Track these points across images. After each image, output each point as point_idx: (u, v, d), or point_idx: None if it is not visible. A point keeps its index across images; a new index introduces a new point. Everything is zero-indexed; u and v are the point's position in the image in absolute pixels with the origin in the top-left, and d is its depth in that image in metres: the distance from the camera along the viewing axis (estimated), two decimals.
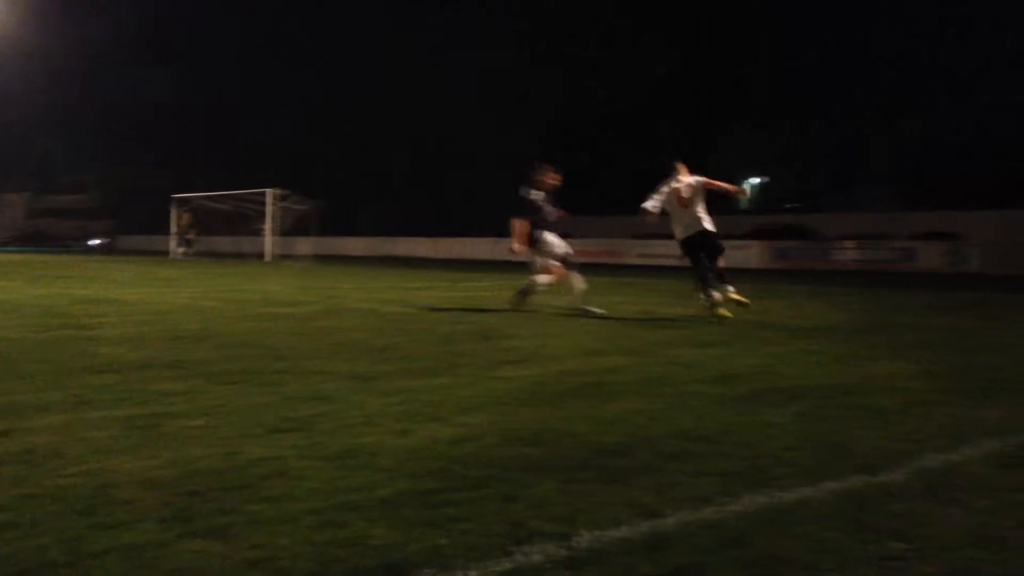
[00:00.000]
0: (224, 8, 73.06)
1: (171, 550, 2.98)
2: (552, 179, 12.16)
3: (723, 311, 11.09)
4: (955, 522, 3.38)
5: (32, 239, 76.70)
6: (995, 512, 3.49)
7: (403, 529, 3.20)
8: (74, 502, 3.45)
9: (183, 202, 40.36)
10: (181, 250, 37.18)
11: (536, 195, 12.08)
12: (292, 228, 33.79)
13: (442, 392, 5.93)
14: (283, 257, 34.29)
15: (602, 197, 49.76)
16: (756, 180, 59.07)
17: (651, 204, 11.40)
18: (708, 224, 11.51)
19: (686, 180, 11.48)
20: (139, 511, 3.36)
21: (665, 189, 11.50)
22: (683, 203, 11.38)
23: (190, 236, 39.43)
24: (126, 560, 2.88)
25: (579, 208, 47.44)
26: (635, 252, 39.39)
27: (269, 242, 34.28)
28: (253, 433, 4.66)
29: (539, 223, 12.02)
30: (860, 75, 50.15)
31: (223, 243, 41.71)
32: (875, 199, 48.37)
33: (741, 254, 36.95)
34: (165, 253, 42.83)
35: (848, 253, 35.33)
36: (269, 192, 34.60)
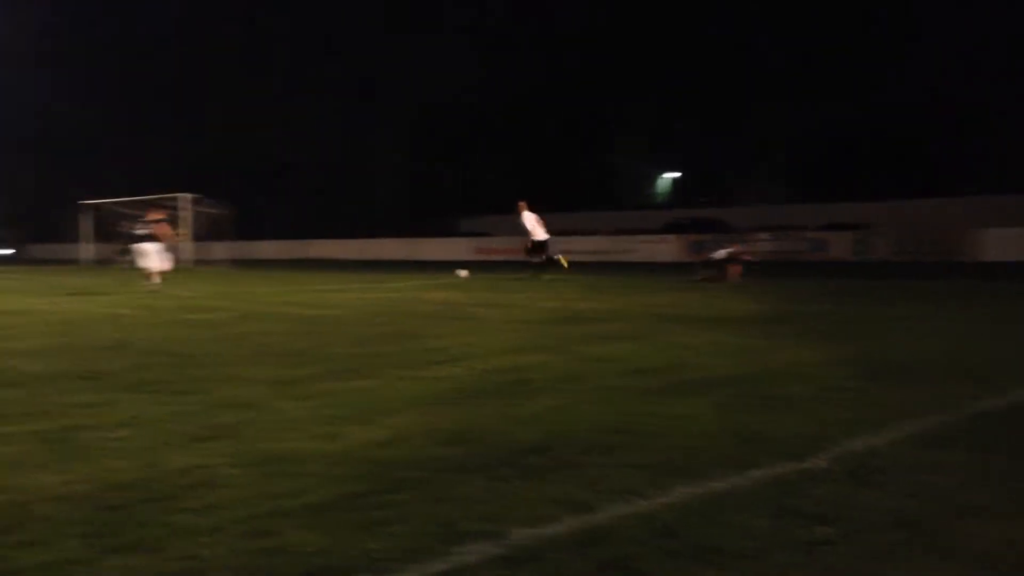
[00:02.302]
0: (117, 9, 70.86)
1: (96, 566, 2.91)
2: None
3: None
4: (878, 504, 3.51)
5: None
6: (916, 494, 3.64)
7: (332, 534, 3.19)
8: None
9: (92, 208, 39.17)
10: (128, 258, 35.05)
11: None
12: (206, 233, 33.08)
13: (366, 394, 5.91)
14: (198, 262, 33.55)
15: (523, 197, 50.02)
16: (668, 175, 60.04)
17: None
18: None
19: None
20: (59, 527, 3.27)
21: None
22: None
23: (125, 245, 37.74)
24: None
25: (499, 208, 47.47)
26: (554, 249, 39.65)
27: (190, 248, 33.53)
28: (175, 442, 4.58)
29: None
30: (758, 68, 51.22)
31: (125, 250, 40.46)
32: (779, 192, 49.69)
33: (658, 248, 37.59)
34: (75, 261, 41.47)
35: (760, 244, 36.21)
36: (182, 196, 33.83)
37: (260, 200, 52.04)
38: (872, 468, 4.01)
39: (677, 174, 59.69)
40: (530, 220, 21.51)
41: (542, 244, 21.62)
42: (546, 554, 3.01)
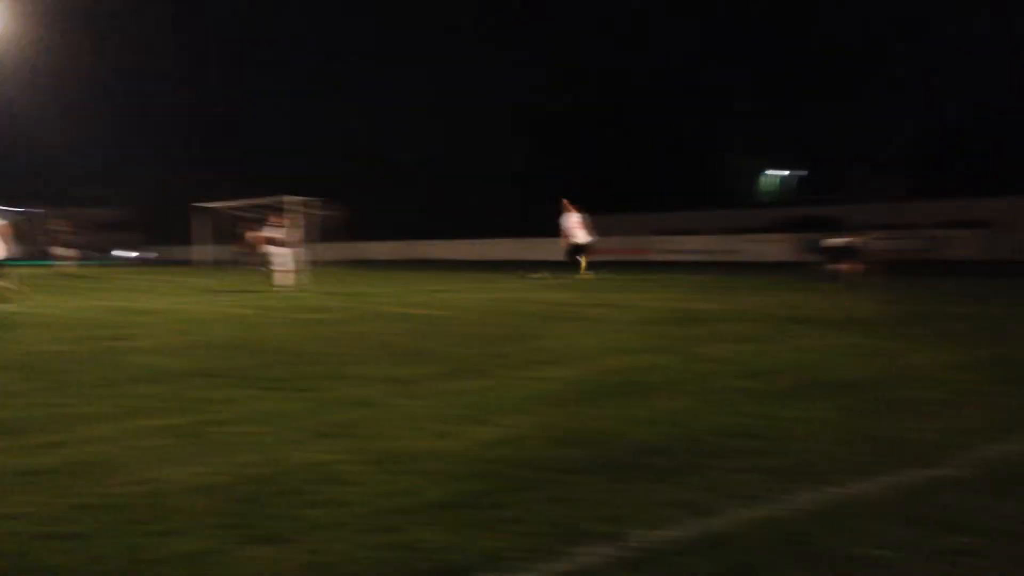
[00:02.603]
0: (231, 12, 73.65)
1: (229, 557, 3.01)
2: None
3: None
4: (1016, 514, 3.34)
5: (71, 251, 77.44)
6: None
7: (455, 532, 3.22)
8: (129, 511, 3.50)
9: (207, 211, 40.69)
10: (254, 260, 35.64)
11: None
12: (320, 235, 33.92)
13: (481, 394, 5.96)
14: (312, 264, 34.49)
15: (622, 195, 49.64)
16: (777, 172, 58.62)
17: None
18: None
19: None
20: (194, 518, 3.40)
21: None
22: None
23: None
24: (185, 567, 2.93)
25: (601, 206, 47.22)
26: (659, 248, 39.29)
27: (304, 250, 34.41)
28: (298, 439, 4.70)
29: None
30: (874, 60, 49.45)
31: (244, 252, 41.92)
32: (897, 188, 47.85)
33: (768, 247, 36.72)
34: (191, 263, 43.14)
35: (876, 243, 34.95)
36: (295, 199, 34.84)
37: (373, 201, 53.08)
38: (1007, 476, 3.82)
39: (786, 172, 58.25)
40: (574, 220, 22.02)
41: (582, 247, 22.09)
42: (668, 557, 2.98)
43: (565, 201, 22.02)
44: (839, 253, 18.47)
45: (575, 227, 22.05)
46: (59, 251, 34.67)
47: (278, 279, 20.78)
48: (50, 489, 3.81)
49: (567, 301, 14.47)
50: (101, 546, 3.11)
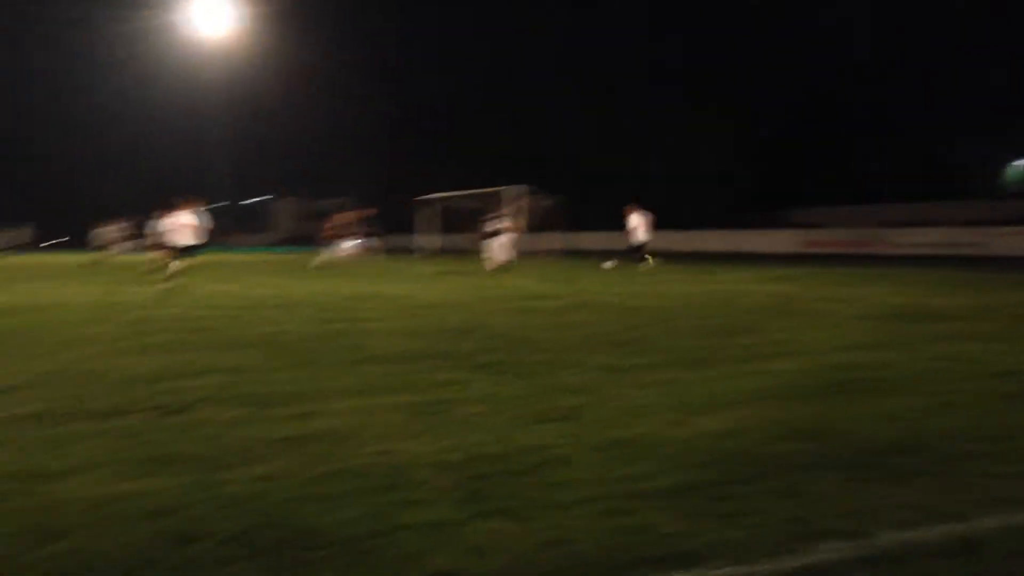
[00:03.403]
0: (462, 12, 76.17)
1: (469, 528, 3.15)
2: None
3: None
4: None
5: (300, 240, 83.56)
6: None
7: (690, 519, 3.21)
8: (376, 479, 3.73)
9: (430, 202, 42.42)
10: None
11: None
12: (537, 224, 34.51)
13: (705, 384, 5.88)
14: (530, 253, 35.18)
15: (845, 186, 47.29)
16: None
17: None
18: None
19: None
20: (435, 491, 3.58)
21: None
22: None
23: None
24: (430, 535, 3.09)
25: (820, 198, 44.90)
26: (888, 241, 37.10)
27: (523, 239, 35.26)
28: (525, 422, 4.83)
29: None
30: None
31: (467, 241, 43.34)
32: None
33: (1017, 241, 33.79)
34: (418, 251, 45.08)
35: None
36: (515, 189, 35.69)
37: (588, 191, 53.37)
38: None
39: None
40: (636, 220, 24.07)
41: (639, 246, 24.13)
42: (913, 560, 2.85)
43: (631, 206, 24.63)
44: None
45: (638, 226, 24.14)
46: (341, 243, 37.05)
47: (492, 265, 22.53)
48: (302, 456, 4.12)
49: (787, 294, 13.99)
50: (353, 510, 3.33)
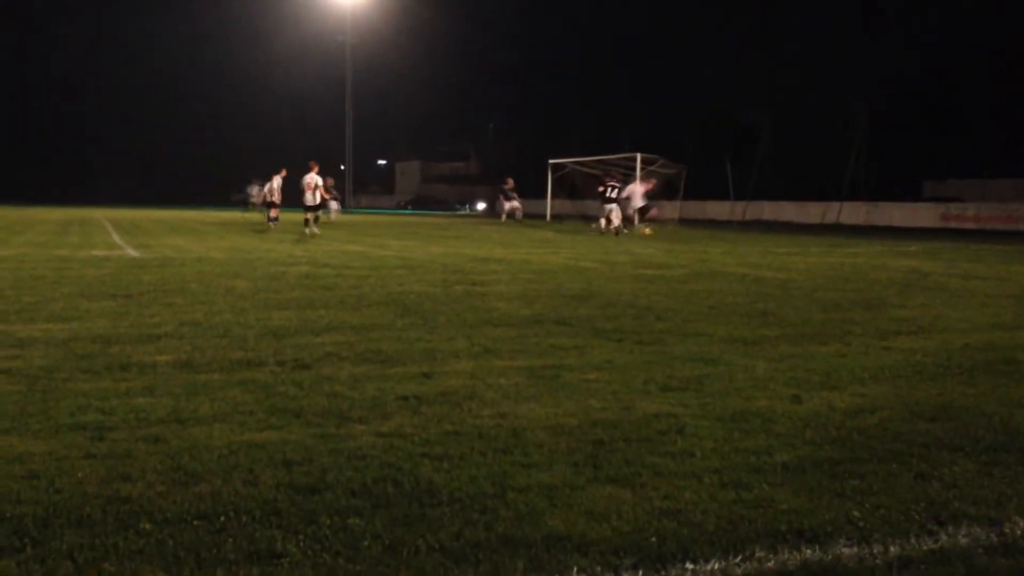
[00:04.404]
0: None
1: (585, 493, 3.16)
2: None
3: None
4: None
5: (423, 203, 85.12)
6: None
7: (809, 496, 3.13)
8: (493, 441, 3.77)
9: (559, 167, 42.37)
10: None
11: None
12: (659, 192, 34.08)
13: (832, 360, 5.71)
14: (650, 221, 34.87)
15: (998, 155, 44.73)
16: None
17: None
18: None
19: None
20: (551, 454, 3.60)
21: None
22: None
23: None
24: (546, 497, 3.10)
25: (970, 171, 42.53)
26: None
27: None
28: (644, 389, 4.80)
29: None
30: None
31: (592, 207, 43.04)
32: None
33: None
34: (542, 217, 45.19)
35: None
36: (638, 156, 35.27)
37: (709, 160, 52.24)
38: None
39: None
40: (637, 188, 26.97)
41: (645, 208, 27.31)
42: None
43: (641, 175, 27.73)
44: None
45: (637, 193, 26.70)
46: (508, 204, 38.10)
47: (609, 229, 24.12)
48: (425, 414, 4.20)
49: (923, 269, 13.40)
50: (471, 470, 3.38)
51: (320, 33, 72.13)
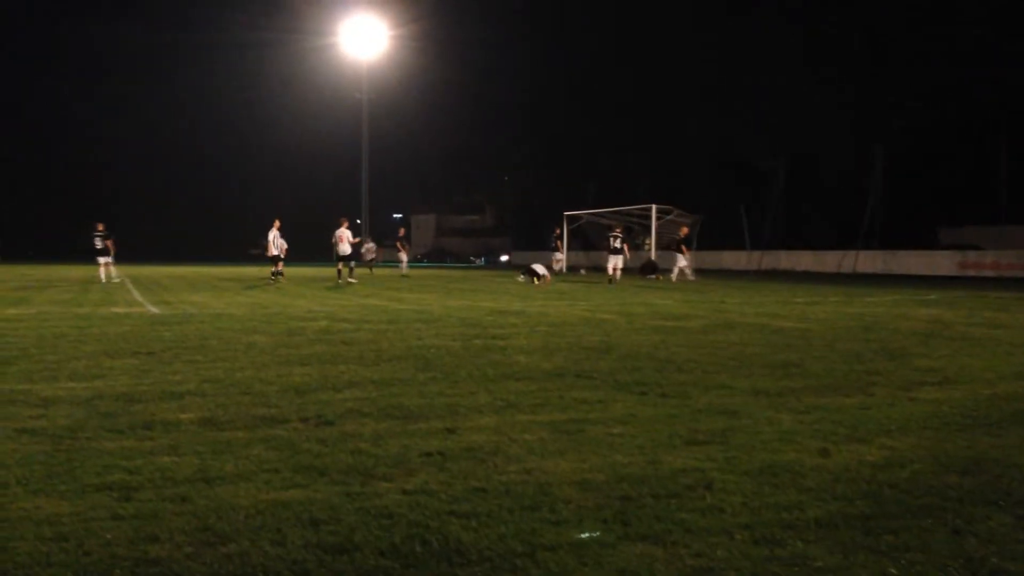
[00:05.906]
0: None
1: (616, 551, 3.12)
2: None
3: None
4: None
5: (438, 255, 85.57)
6: None
7: (844, 553, 3.09)
8: (520, 498, 3.74)
9: (572, 218, 42.57)
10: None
11: None
12: (676, 243, 34.14)
13: (857, 412, 5.66)
14: (664, 272, 34.82)
15: (993, 205, 44.74)
16: None
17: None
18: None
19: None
20: (580, 511, 3.57)
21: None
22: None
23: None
24: (576, 556, 3.07)
25: (986, 217, 42.25)
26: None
27: (653, 256, 35.04)
28: (669, 443, 4.76)
29: None
30: None
31: (605, 258, 43.01)
32: None
33: None
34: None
35: None
36: (653, 207, 35.39)
37: (733, 209, 52.33)
38: None
39: None
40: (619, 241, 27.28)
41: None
42: None
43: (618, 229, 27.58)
44: None
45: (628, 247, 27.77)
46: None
47: (615, 278, 25.45)
48: (450, 471, 4.18)
49: (943, 319, 13.31)
50: (500, 528, 3.35)
51: (336, 90, 73.12)
